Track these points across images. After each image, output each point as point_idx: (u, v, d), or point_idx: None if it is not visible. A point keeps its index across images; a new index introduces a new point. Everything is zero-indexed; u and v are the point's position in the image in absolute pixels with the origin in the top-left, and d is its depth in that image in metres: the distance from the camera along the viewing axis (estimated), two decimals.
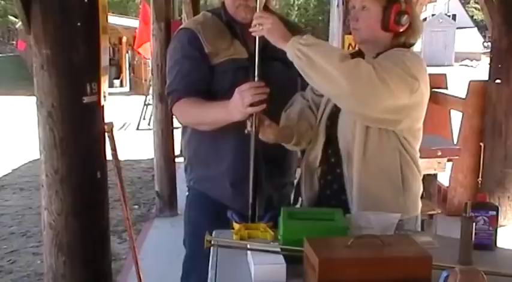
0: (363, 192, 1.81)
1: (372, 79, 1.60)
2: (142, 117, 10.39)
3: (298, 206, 2.19)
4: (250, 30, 1.79)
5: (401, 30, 1.80)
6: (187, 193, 2.26)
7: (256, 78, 1.86)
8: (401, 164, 1.83)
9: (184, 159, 2.25)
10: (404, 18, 1.78)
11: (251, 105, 1.81)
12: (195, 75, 2.01)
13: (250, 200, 1.89)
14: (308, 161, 1.97)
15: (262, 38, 1.83)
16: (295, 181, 2.23)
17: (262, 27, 1.75)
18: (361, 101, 1.66)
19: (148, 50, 8.66)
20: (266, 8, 2.08)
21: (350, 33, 1.94)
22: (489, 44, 5.79)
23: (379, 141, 1.79)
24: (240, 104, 1.82)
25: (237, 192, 2.02)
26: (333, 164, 1.91)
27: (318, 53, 1.62)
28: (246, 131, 1.85)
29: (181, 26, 2.16)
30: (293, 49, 1.65)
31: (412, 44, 1.87)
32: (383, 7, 1.78)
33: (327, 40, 4.63)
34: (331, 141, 1.90)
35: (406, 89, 1.69)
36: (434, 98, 5.42)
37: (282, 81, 1.97)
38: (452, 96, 5.26)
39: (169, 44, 2.20)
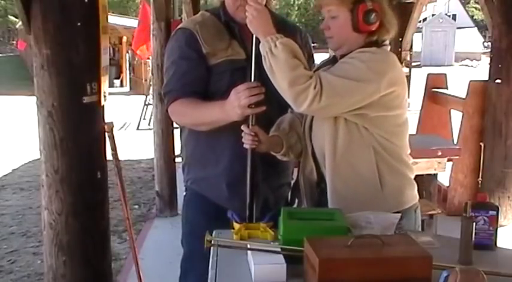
0: (336, 192, 1.81)
1: (316, 104, 1.67)
2: (142, 117, 10.39)
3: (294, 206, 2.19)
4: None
5: (373, 29, 1.80)
6: (184, 193, 2.26)
7: (252, 79, 1.86)
8: (376, 162, 1.81)
9: (182, 159, 2.25)
10: (372, 17, 1.78)
11: (249, 106, 1.82)
12: (192, 76, 2.01)
13: (248, 201, 1.89)
14: (305, 173, 1.96)
15: (259, 39, 1.84)
16: (292, 182, 2.24)
17: (246, 14, 1.79)
18: (312, 114, 1.83)
19: (145, 52, 8.66)
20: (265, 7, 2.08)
21: None
22: (489, 44, 5.79)
23: (349, 140, 1.79)
24: (237, 105, 1.82)
25: (233, 193, 2.02)
26: (322, 173, 1.90)
27: (278, 67, 1.69)
28: (244, 146, 1.86)
29: (180, 26, 2.16)
30: (263, 50, 1.72)
31: (385, 40, 1.86)
32: (350, 10, 1.79)
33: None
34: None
35: (361, 95, 1.73)
36: (434, 98, 5.46)
37: None
38: (452, 96, 5.26)
39: (167, 43, 2.20)
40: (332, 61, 1.93)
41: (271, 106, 1.92)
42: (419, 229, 2.00)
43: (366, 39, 1.83)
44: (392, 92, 1.76)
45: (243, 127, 1.85)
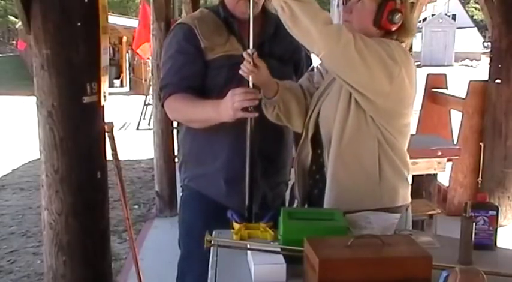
0: (336, 179, 1.80)
1: (349, 49, 1.62)
2: (142, 117, 10.39)
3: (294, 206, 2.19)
4: None
5: (393, 29, 1.79)
6: (181, 193, 2.25)
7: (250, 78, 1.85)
8: (379, 154, 1.80)
9: (179, 158, 2.25)
10: (397, 17, 1.76)
11: (243, 109, 1.81)
12: (189, 71, 2.01)
13: (247, 201, 1.89)
14: (300, 158, 1.95)
15: (258, 36, 1.84)
16: (291, 182, 2.23)
17: None
18: (335, 65, 1.72)
19: (146, 51, 8.66)
20: (264, 6, 2.08)
21: None
22: (489, 44, 5.79)
23: (357, 128, 1.77)
24: (230, 106, 1.82)
25: (231, 190, 2.02)
26: (321, 163, 1.89)
27: (304, 10, 1.62)
28: (240, 72, 1.82)
29: (178, 21, 2.16)
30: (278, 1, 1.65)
31: (402, 41, 1.85)
32: (378, 3, 1.77)
33: None
34: (320, 140, 1.88)
35: (384, 70, 1.69)
36: (434, 98, 5.45)
37: (278, 78, 1.98)
38: (452, 96, 5.26)
39: (166, 38, 2.20)
40: None
41: None
42: (410, 228, 1.99)
43: (384, 37, 1.80)
44: (404, 86, 1.75)
45: (244, 54, 1.81)
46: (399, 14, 1.76)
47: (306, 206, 1.98)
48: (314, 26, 1.61)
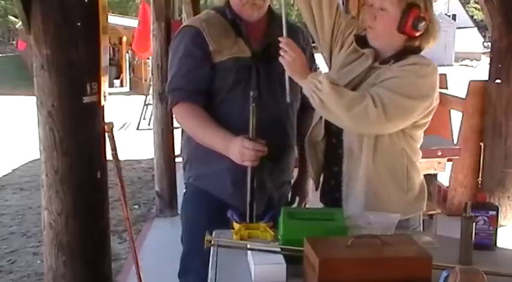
0: (370, 194, 1.82)
1: (380, 121, 1.70)
2: (142, 117, 10.40)
3: (295, 205, 2.20)
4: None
5: (417, 35, 1.80)
6: (184, 191, 2.25)
7: (252, 92, 1.87)
8: (407, 164, 1.85)
9: (183, 157, 2.25)
10: (422, 25, 1.77)
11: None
12: (196, 74, 2.01)
13: (248, 199, 1.89)
14: (310, 136, 1.96)
15: (264, 37, 1.85)
16: (292, 180, 2.24)
17: (284, 57, 1.81)
18: (369, 134, 1.80)
19: (145, 52, 8.65)
20: (270, 8, 2.08)
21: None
22: (489, 44, 5.79)
23: (389, 143, 1.80)
24: (239, 157, 1.87)
25: (237, 190, 2.02)
26: (340, 155, 1.88)
27: (329, 100, 1.70)
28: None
29: (185, 23, 2.16)
30: (308, 90, 1.75)
31: (423, 49, 1.86)
32: (402, 10, 1.77)
33: None
34: (337, 130, 1.88)
35: (421, 112, 1.78)
36: None
37: (284, 80, 1.98)
38: (452, 96, 5.25)
39: (172, 41, 2.20)
40: (362, 41, 1.89)
41: (277, 105, 1.97)
42: (421, 226, 2.02)
43: (406, 43, 1.82)
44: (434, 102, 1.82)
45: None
46: (423, 22, 1.77)
47: (320, 195, 2.03)
48: (340, 113, 1.71)
